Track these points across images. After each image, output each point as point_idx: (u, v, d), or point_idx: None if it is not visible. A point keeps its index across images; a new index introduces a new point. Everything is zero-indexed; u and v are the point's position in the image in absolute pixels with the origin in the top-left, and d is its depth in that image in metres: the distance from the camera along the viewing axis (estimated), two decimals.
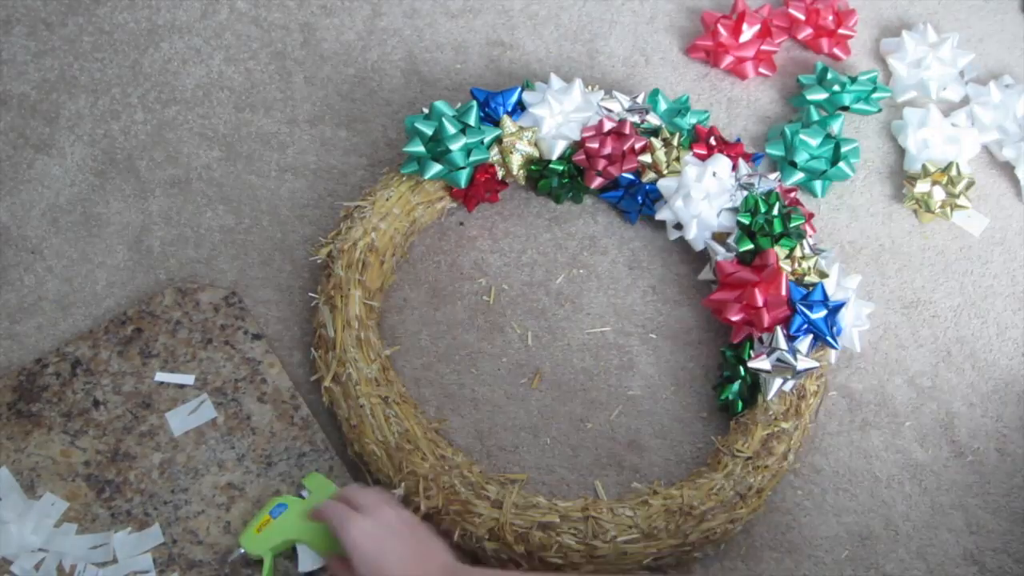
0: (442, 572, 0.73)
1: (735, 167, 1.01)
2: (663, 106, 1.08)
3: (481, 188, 1.02)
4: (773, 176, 1.03)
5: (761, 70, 1.19)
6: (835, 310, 0.93)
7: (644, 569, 0.83)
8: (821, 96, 1.14)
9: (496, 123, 1.01)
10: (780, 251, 0.95)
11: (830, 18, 1.20)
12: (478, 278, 1.02)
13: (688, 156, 1.01)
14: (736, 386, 0.94)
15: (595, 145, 1.01)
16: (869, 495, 0.94)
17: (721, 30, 1.17)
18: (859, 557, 0.91)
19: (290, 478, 0.87)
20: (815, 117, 1.12)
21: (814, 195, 1.11)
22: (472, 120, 0.98)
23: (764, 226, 0.96)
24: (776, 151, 1.10)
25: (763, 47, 1.18)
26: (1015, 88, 1.18)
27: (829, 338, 0.92)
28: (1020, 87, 1.18)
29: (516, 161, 1.01)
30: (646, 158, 1.02)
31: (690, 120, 1.06)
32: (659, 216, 1.03)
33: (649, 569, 0.85)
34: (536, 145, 1.02)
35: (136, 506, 0.85)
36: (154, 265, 1.00)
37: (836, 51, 1.21)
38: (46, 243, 1.00)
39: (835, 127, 1.11)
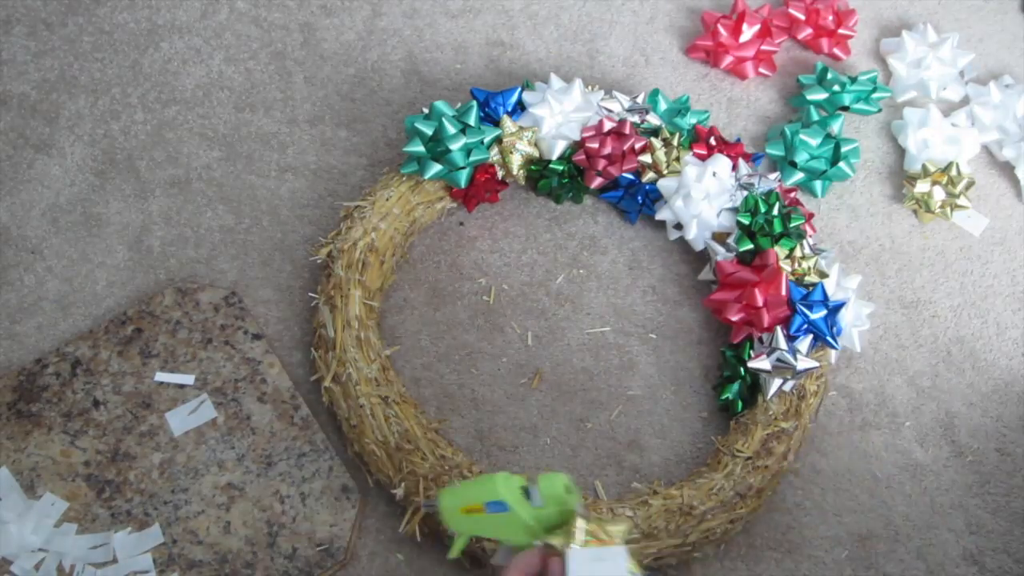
0: None
1: (735, 167, 1.01)
2: (663, 106, 1.08)
3: (481, 188, 1.02)
4: (773, 176, 1.03)
5: (761, 70, 1.19)
6: (835, 310, 0.93)
7: (644, 569, 0.83)
8: (821, 96, 1.14)
9: (496, 123, 1.01)
10: (780, 251, 0.95)
11: (830, 18, 1.20)
12: (478, 278, 1.02)
13: (688, 156, 1.01)
14: (736, 386, 0.94)
15: (595, 145, 1.01)
16: (869, 495, 0.94)
17: (721, 30, 1.17)
18: (859, 557, 0.91)
19: (290, 478, 0.87)
20: (815, 117, 1.12)
21: (814, 195, 1.11)
22: (472, 120, 0.98)
23: (764, 226, 0.96)
24: (776, 151, 1.10)
25: (763, 47, 1.18)
26: (1015, 88, 1.18)
27: (829, 338, 0.92)
28: (1020, 87, 1.18)
29: (516, 161, 1.01)
30: (646, 158, 1.02)
31: (690, 120, 1.06)
32: (659, 216, 1.03)
33: (649, 569, 0.85)
34: (536, 145, 1.02)
35: (136, 506, 0.85)
36: (154, 265, 0.99)
37: (836, 51, 1.21)
38: (46, 243, 1.00)
39: (835, 127, 1.11)
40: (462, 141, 0.97)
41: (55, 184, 1.03)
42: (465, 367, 0.97)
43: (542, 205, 1.08)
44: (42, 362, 0.91)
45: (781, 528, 0.92)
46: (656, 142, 1.02)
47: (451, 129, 0.97)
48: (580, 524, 0.63)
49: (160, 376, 0.91)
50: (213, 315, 0.95)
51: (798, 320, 0.91)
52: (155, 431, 0.88)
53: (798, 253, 0.95)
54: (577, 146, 1.02)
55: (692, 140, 1.03)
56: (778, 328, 0.92)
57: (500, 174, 1.03)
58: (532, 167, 1.03)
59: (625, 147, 1.01)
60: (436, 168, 0.97)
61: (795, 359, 0.90)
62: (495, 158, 1.01)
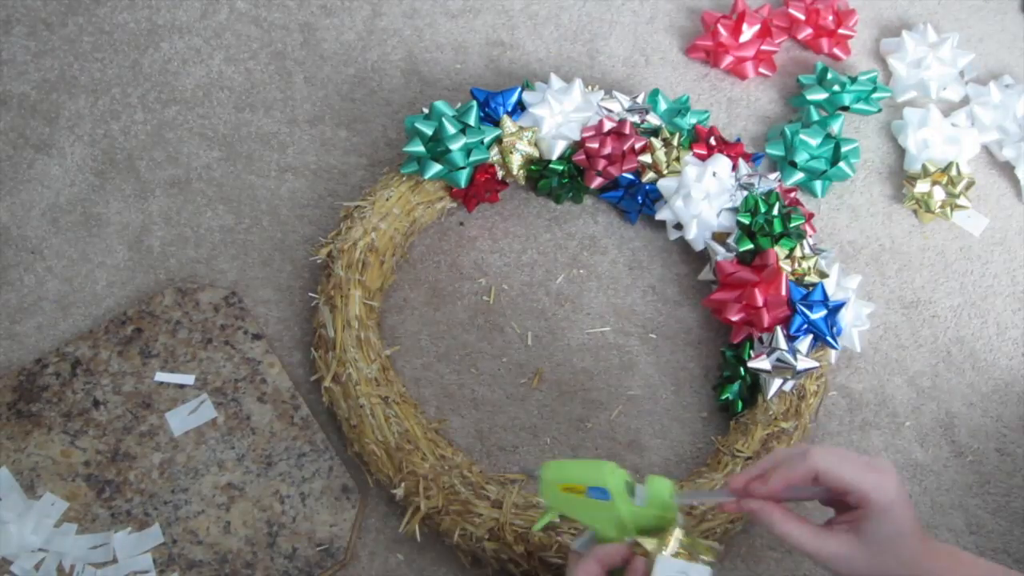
0: None
1: (735, 167, 1.01)
2: (663, 106, 1.08)
3: (481, 188, 1.02)
4: (773, 176, 1.03)
5: (761, 70, 1.19)
6: (835, 310, 0.93)
7: None
8: (821, 96, 1.14)
9: (496, 123, 1.01)
10: (780, 251, 0.95)
11: (830, 18, 1.20)
12: (478, 278, 1.02)
13: (688, 156, 1.01)
14: (736, 386, 0.94)
15: (595, 145, 1.01)
16: None
17: (721, 30, 1.17)
18: None
19: (290, 478, 0.87)
20: (815, 117, 1.12)
21: (814, 195, 1.11)
22: (472, 120, 0.98)
23: (764, 226, 0.96)
24: (776, 151, 1.10)
25: (763, 47, 1.18)
26: (1015, 88, 1.18)
27: (829, 338, 0.92)
28: (1020, 87, 1.18)
29: (516, 161, 1.01)
30: (646, 158, 1.02)
31: (690, 120, 1.06)
32: (659, 216, 1.03)
33: None
34: (536, 145, 1.02)
35: (136, 506, 0.85)
36: (154, 265, 0.99)
37: (836, 51, 1.21)
38: (46, 243, 1.00)
39: (835, 127, 1.11)
40: (462, 141, 0.97)
41: (55, 184, 1.03)
42: (465, 367, 0.97)
43: (542, 205, 1.08)
44: (42, 362, 0.91)
45: None
46: (656, 142, 1.02)
47: (451, 129, 0.97)
48: (678, 534, 0.63)
49: (160, 376, 0.91)
50: (213, 315, 0.95)
51: (798, 320, 0.91)
52: (155, 431, 0.89)
53: (798, 253, 0.96)
54: (577, 146, 1.02)
55: (692, 140, 1.03)
56: (778, 328, 0.92)
57: (500, 174, 1.03)
58: (532, 167, 1.03)
59: (625, 147, 1.01)
60: (436, 168, 0.97)
61: (795, 359, 0.90)
62: (495, 158, 1.01)
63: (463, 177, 0.98)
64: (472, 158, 0.97)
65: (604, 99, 1.05)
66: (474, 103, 1.00)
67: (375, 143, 1.09)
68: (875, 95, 1.15)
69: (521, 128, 1.01)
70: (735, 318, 0.94)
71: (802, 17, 1.21)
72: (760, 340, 0.93)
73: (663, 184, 1.01)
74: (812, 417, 0.95)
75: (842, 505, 0.64)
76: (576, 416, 0.95)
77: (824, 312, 0.92)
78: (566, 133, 1.02)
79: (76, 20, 1.13)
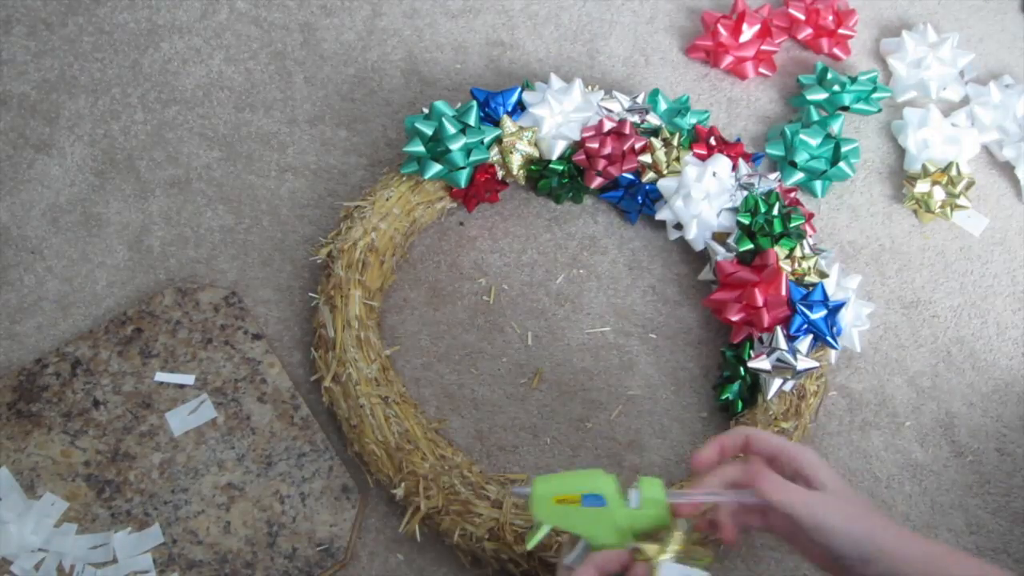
0: None
1: (735, 167, 1.01)
2: (663, 106, 1.08)
3: (481, 188, 1.02)
4: (773, 176, 1.03)
5: (761, 70, 1.19)
6: (835, 310, 0.93)
7: None
8: (821, 96, 1.14)
9: (496, 123, 1.01)
10: (780, 251, 0.95)
11: (830, 18, 1.20)
12: (478, 278, 1.02)
13: (688, 156, 1.01)
14: (736, 386, 0.94)
15: (595, 145, 1.01)
16: (869, 495, 0.94)
17: (721, 30, 1.17)
18: None
19: (290, 478, 0.87)
20: (815, 117, 1.12)
21: (814, 195, 1.11)
22: (472, 120, 0.98)
23: (764, 226, 0.96)
24: (776, 151, 1.10)
25: (763, 47, 1.18)
26: (1015, 88, 1.18)
27: (829, 338, 0.92)
28: (1020, 87, 1.18)
29: (516, 161, 1.01)
30: (646, 158, 1.02)
31: (690, 120, 1.06)
32: (659, 216, 1.03)
33: None
34: (536, 145, 1.02)
35: (136, 506, 0.85)
36: (154, 265, 1.00)
37: (836, 51, 1.21)
38: (46, 243, 1.00)
39: (835, 127, 1.11)
40: (462, 141, 0.97)
41: (55, 184, 1.03)
42: (465, 367, 0.97)
43: (542, 205, 1.08)
44: (42, 362, 0.91)
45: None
46: (656, 142, 1.02)
47: (451, 129, 0.97)
48: (679, 536, 0.63)
49: (160, 376, 0.91)
50: (213, 315, 0.95)
51: (798, 320, 0.91)
52: (155, 431, 0.89)
53: (798, 253, 0.96)
54: (577, 146, 1.02)
55: (692, 140, 1.03)
56: (778, 328, 0.92)
57: (500, 174, 1.03)
58: (532, 167, 1.03)
59: (625, 147, 1.01)
60: (436, 168, 0.97)
61: (795, 359, 0.90)
62: (495, 158, 1.01)
63: (463, 177, 0.98)
64: (472, 158, 0.97)
65: (604, 99, 1.05)
66: (474, 103, 1.00)
67: (375, 143, 1.09)
68: (875, 95, 1.15)
69: (521, 128, 1.01)
70: (735, 318, 0.94)
71: (802, 17, 1.21)
72: (760, 340, 0.93)
73: (663, 184, 1.01)
74: (812, 417, 0.95)
75: (765, 525, 0.66)
76: (576, 416, 0.95)
77: (824, 312, 0.92)
78: (566, 133, 1.02)
79: (76, 20, 1.13)
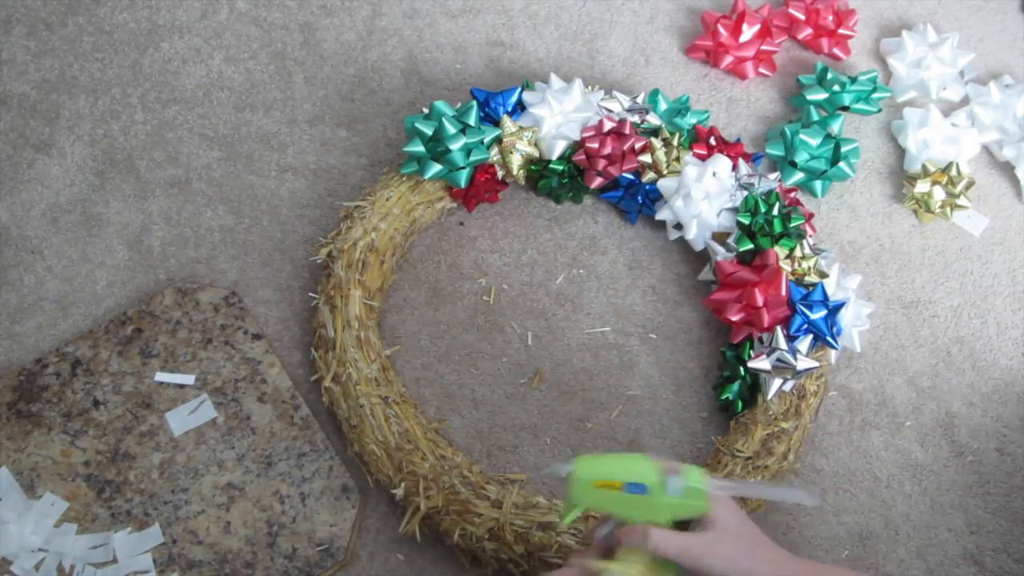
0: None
1: (735, 167, 1.01)
2: (663, 106, 1.08)
3: (481, 188, 1.02)
4: (773, 176, 1.03)
5: (761, 70, 1.19)
6: (835, 310, 0.93)
7: None
8: (821, 96, 1.14)
9: (496, 123, 1.01)
10: (780, 251, 0.95)
11: (830, 18, 1.20)
12: (478, 278, 1.02)
13: (688, 156, 1.01)
14: (736, 386, 0.94)
15: (595, 145, 1.01)
16: (869, 495, 0.94)
17: (721, 30, 1.17)
18: (859, 557, 0.91)
19: (290, 478, 0.87)
20: (815, 117, 1.12)
21: (814, 195, 1.11)
22: (472, 120, 0.98)
23: (764, 226, 0.96)
24: (776, 151, 1.10)
25: (763, 47, 1.18)
26: (1015, 88, 1.18)
27: (829, 338, 0.92)
28: (1020, 87, 1.18)
29: (516, 161, 1.01)
30: (646, 158, 1.02)
31: (690, 120, 1.06)
32: (659, 216, 1.03)
33: None
34: (536, 145, 1.02)
35: (136, 506, 0.85)
36: (154, 265, 1.00)
37: (836, 51, 1.21)
38: (46, 243, 1.00)
39: (835, 127, 1.11)
40: (462, 141, 0.97)
41: (55, 184, 1.03)
42: (465, 367, 0.97)
43: (542, 205, 1.08)
44: (42, 362, 0.91)
45: (781, 528, 0.92)
46: (656, 142, 1.02)
47: (451, 129, 0.97)
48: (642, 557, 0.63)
49: (160, 376, 0.91)
50: (213, 315, 0.95)
51: (798, 320, 0.91)
52: (155, 431, 0.89)
53: (798, 253, 0.96)
54: (577, 146, 1.02)
55: (692, 140, 1.03)
56: (778, 328, 0.92)
57: (500, 174, 1.03)
58: (532, 167, 1.03)
59: (625, 147, 1.01)
60: (436, 168, 0.97)
61: (795, 359, 0.90)
62: (495, 158, 1.01)
63: (463, 177, 0.98)
64: (472, 158, 0.97)
65: (604, 99, 1.05)
66: (474, 103, 1.00)
67: (375, 143, 1.09)
68: (875, 95, 1.15)
69: (521, 128, 1.01)
70: (735, 318, 0.94)
71: (802, 17, 1.21)
72: (760, 340, 0.93)
73: (663, 184, 1.01)
74: (812, 417, 0.95)
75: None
76: (576, 416, 0.95)
77: (824, 312, 0.92)
78: (566, 133, 1.02)
79: (76, 20, 1.13)
